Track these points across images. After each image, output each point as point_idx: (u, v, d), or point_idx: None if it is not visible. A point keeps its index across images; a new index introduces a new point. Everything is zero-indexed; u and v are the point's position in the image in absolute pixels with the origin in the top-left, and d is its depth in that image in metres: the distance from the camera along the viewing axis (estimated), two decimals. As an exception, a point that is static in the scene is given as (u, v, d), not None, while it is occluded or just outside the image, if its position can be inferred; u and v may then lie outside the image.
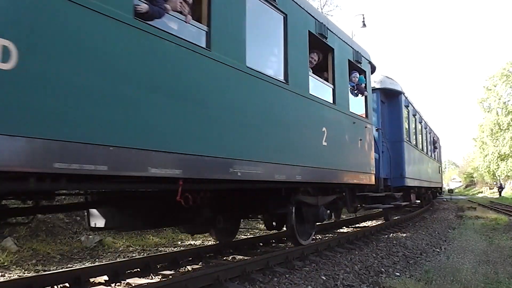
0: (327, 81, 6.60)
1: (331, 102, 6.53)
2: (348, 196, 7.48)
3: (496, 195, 45.87)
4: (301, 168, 5.42)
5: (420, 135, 15.40)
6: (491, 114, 44.61)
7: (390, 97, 11.69)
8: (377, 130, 9.90)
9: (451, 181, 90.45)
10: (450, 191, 41.11)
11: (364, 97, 8.04)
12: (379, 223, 10.80)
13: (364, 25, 20.90)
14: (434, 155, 19.86)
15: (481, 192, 60.02)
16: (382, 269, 5.56)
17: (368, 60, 8.26)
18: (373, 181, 7.87)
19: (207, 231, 6.75)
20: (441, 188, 25.62)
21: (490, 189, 58.86)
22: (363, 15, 21.03)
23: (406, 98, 12.44)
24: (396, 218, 12.05)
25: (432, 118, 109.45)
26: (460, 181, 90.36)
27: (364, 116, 7.90)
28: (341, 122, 6.78)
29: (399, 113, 11.77)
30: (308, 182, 5.77)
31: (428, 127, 17.78)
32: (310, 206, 6.30)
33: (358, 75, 7.73)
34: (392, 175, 10.64)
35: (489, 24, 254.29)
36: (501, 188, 47.74)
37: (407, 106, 12.54)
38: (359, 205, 8.67)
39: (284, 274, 4.77)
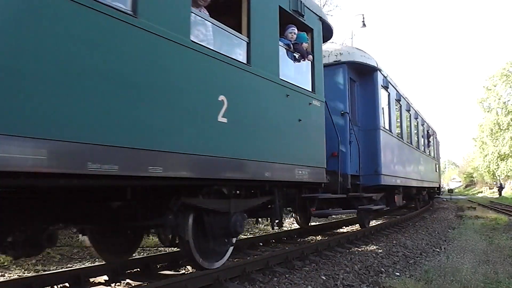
0: (239, 31, 4.66)
1: (243, 61, 4.60)
2: (280, 199, 5.52)
3: (496, 195, 45.89)
4: (162, 155, 3.44)
5: (408, 126, 12.79)
6: (491, 114, 44.68)
7: (363, 75, 9.19)
8: (342, 114, 8.10)
9: (451, 181, 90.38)
10: (450, 191, 41.27)
11: (310, 63, 6.05)
12: (379, 223, 10.79)
13: (364, 25, 21.00)
14: (429, 151, 17.47)
15: (481, 192, 60.01)
16: (382, 269, 5.56)
17: (318, 16, 6.29)
18: (323, 178, 6.07)
19: (26, 255, 4.14)
20: (439, 188, 23.01)
21: (490, 189, 58.85)
22: (363, 15, 21.14)
23: (384, 77, 9.78)
24: (396, 218, 12.07)
25: (432, 118, 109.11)
26: (460, 181, 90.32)
27: (309, 89, 5.98)
28: (259, 91, 4.82)
29: (373, 95, 9.25)
30: (182, 178, 3.75)
31: (420, 117, 15.10)
32: (217, 214, 4.49)
33: (296, 31, 5.74)
34: (363, 171, 8.57)
35: (489, 24, 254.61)
36: (501, 188, 47.78)
37: (386, 88, 9.94)
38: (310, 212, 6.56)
39: (284, 274, 4.77)
